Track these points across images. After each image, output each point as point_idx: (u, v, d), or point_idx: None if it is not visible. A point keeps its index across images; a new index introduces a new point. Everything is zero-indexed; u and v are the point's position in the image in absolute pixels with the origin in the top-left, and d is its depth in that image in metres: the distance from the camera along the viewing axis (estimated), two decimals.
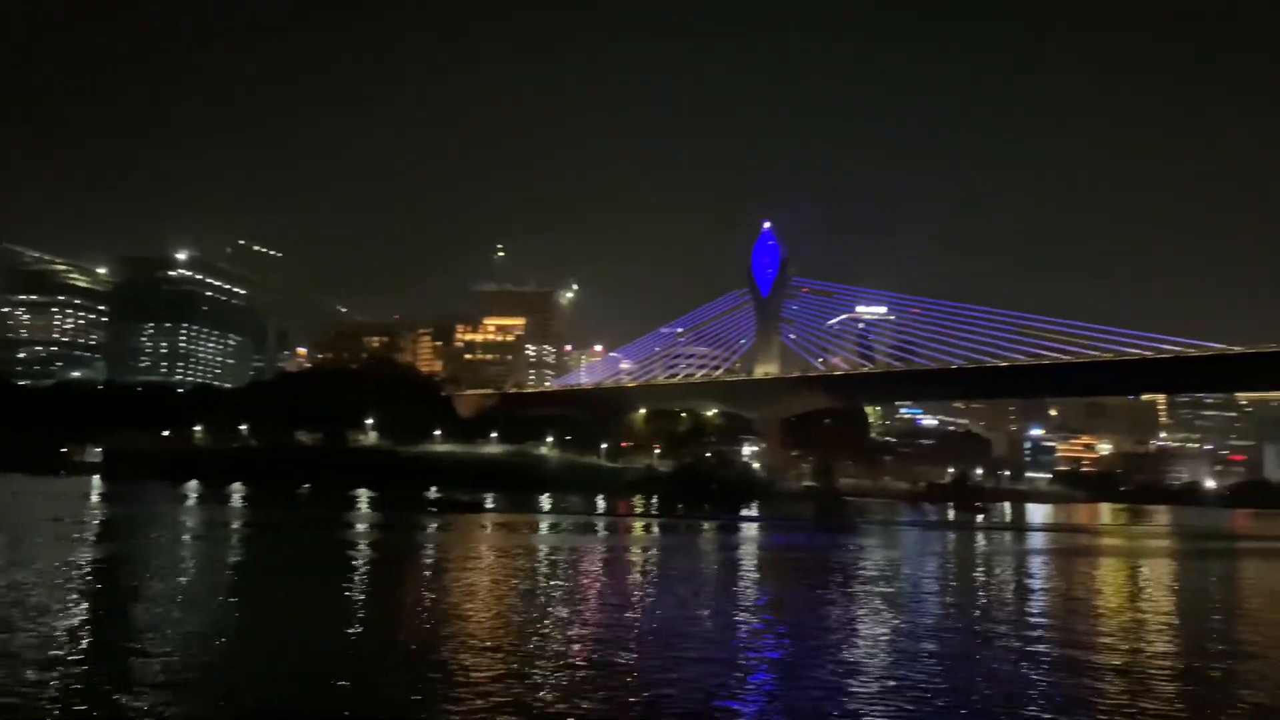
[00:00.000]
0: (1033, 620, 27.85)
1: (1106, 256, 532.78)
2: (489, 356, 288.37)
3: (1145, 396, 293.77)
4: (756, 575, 38.74)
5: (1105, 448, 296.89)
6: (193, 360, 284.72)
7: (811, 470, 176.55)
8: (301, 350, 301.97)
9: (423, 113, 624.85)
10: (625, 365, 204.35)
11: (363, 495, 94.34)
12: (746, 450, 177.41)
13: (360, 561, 38.73)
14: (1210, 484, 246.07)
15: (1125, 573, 46.11)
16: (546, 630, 22.72)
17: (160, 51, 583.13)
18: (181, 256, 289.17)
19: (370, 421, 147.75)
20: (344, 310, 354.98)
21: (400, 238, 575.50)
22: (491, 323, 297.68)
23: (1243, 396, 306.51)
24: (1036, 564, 49.67)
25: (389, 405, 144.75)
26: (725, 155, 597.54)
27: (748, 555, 49.25)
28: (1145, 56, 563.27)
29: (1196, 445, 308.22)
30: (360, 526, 57.08)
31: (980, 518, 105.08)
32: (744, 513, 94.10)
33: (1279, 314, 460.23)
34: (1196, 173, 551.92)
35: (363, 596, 29.04)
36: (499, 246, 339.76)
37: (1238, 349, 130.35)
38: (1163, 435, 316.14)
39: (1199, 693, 18.59)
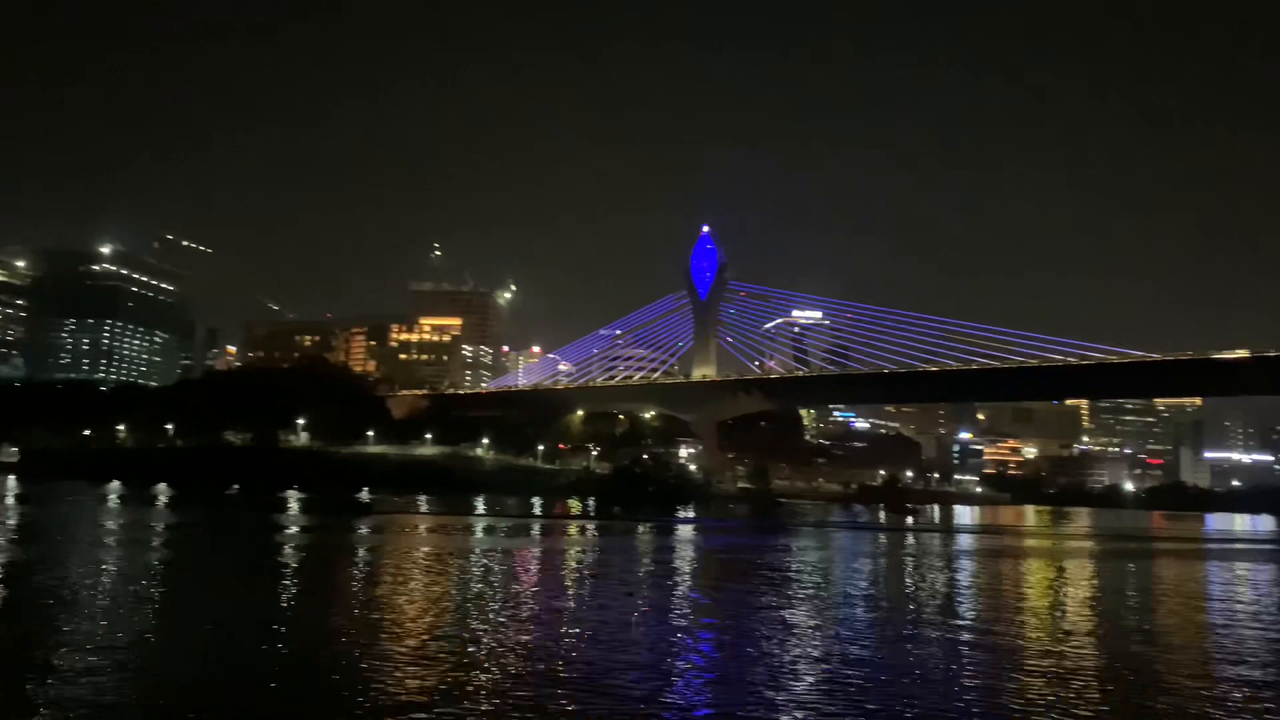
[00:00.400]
0: (960, 620, 28.52)
1: (1034, 265, 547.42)
2: (424, 357, 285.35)
3: (1069, 401, 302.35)
4: (690, 577, 39.00)
5: (1031, 451, 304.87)
6: (116, 358, 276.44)
7: (747, 472, 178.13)
8: (232, 349, 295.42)
9: (360, 112, 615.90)
10: (563, 367, 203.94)
11: (293, 497, 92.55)
12: (683, 452, 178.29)
13: (284, 566, 37.98)
14: (1129, 487, 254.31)
15: (1049, 573, 47.45)
16: (473, 635, 22.32)
17: (91, 41, 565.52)
18: (106, 250, 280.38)
19: (302, 422, 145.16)
20: (276, 308, 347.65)
21: (336, 236, 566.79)
22: (427, 323, 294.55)
23: (1160, 402, 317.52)
24: (964, 565, 50.83)
25: (321, 406, 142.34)
26: (665, 159, 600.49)
27: (683, 557, 49.53)
28: (1079, 67, 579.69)
29: (1117, 449, 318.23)
30: (288, 529, 56.03)
31: (910, 519, 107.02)
32: (680, 514, 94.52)
33: (1196, 323, 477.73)
34: (1125, 184, 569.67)
35: (283, 603, 28.33)
36: (436, 246, 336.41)
37: (1156, 357, 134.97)
38: (1085, 439, 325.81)
39: (1119, 689, 19.22)
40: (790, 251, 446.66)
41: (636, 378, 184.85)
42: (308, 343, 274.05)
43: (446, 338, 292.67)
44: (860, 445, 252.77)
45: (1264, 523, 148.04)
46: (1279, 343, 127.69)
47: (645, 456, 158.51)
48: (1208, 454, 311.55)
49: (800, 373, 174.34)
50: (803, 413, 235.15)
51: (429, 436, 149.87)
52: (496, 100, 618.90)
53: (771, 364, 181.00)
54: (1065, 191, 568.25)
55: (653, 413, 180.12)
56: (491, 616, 25.05)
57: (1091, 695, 18.26)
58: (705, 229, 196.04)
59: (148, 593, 28.64)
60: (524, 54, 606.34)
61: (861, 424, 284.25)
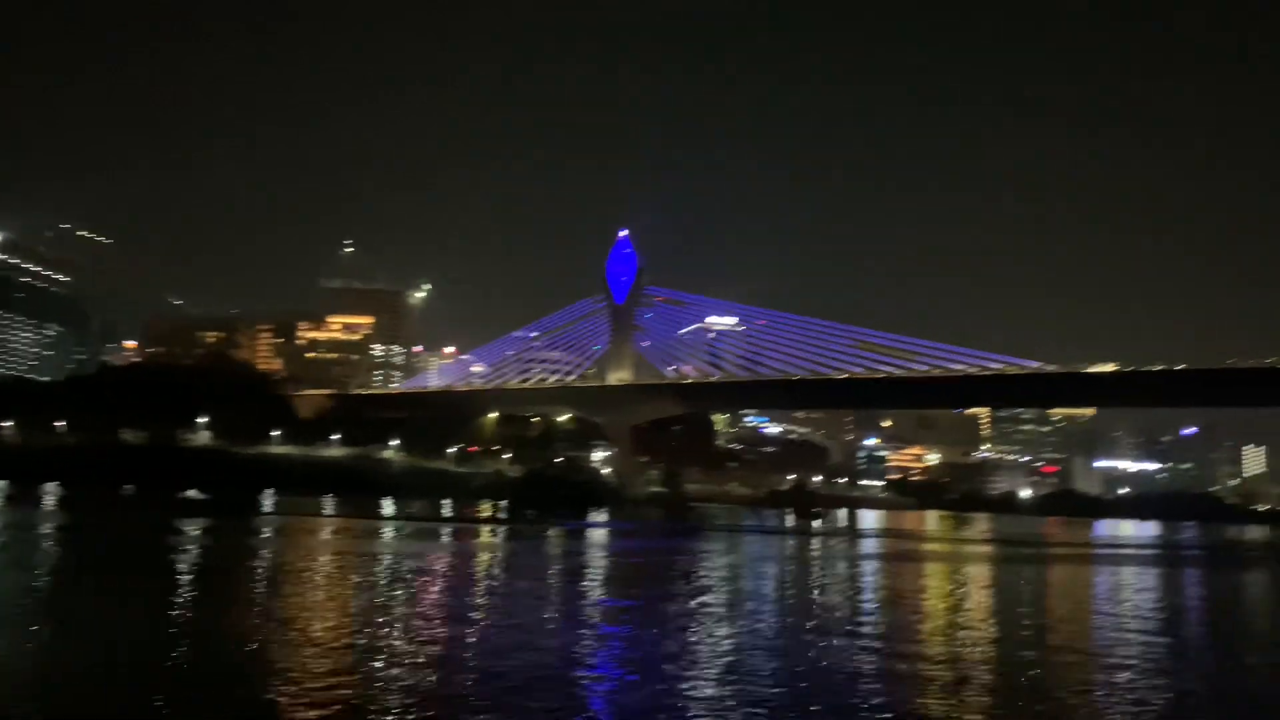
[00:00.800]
0: (861, 623, 29.27)
1: (938, 275, 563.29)
2: (333, 355, 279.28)
3: (970, 410, 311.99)
4: (600, 581, 39.11)
5: (933, 458, 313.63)
6: (3, 351, 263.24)
7: (660, 476, 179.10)
8: (130, 343, 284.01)
9: (274, 107, 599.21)
10: (477, 368, 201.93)
11: (192, 498, 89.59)
12: (597, 456, 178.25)
13: (176, 569, 36.65)
14: (1026, 493, 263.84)
15: (948, 576, 48.98)
16: (368, 647, 21.70)
17: None
18: None
19: (203, 420, 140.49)
20: (179, 303, 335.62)
21: (243, 229, 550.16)
22: (337, 320, 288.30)
23: (1056, 412, 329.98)
24: (868, 568, 52.10)
25: (223, 404, 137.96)
26: (583, 161, 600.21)
27: (594, 561, 49.61)
28: (980, 76, 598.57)
29: (1014, 457, 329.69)
30: (186, 531, 54.22)
31: (817, 523, 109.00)
32: (593, 518, 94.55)
33: (1089, 335, 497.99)
34: (1026, 196, 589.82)
35: (171, 609, 27.28)
36: (348, 242, 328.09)
37: (1052, 368, 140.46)
38: (985, 447, 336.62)
39: (1013, 689, 19.96)
40: (709, 258, 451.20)
41: (551, 381, 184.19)
42: (211, 339, 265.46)
43: (357, 336, 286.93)
44: (771, 450, 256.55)
45: (1149, 528, 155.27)
46: (1160, 357, 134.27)
47: (559, 460, 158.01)
48: (1098, 462, 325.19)
49: (714, 378, 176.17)
50: (715, 418, 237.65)
51: (337, 437, 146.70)
52: (413, 100, 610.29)
53: (687, 369, 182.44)
54: (972, 204, 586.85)
55: (567, 416, 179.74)
56: (391, 626, 24.54)
57: (982, 698, 18.96)
58: (623, 233, 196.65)
59: (11, 598, 27.41)
60: (447, 55, 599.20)
61: (772, 429, 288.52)
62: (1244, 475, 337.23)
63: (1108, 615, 33.92)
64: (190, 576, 34.30)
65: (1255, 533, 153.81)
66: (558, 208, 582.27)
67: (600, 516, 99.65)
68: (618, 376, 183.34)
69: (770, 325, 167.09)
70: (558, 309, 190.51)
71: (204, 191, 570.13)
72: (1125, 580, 50.48)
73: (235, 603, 27.73)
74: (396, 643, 21.70)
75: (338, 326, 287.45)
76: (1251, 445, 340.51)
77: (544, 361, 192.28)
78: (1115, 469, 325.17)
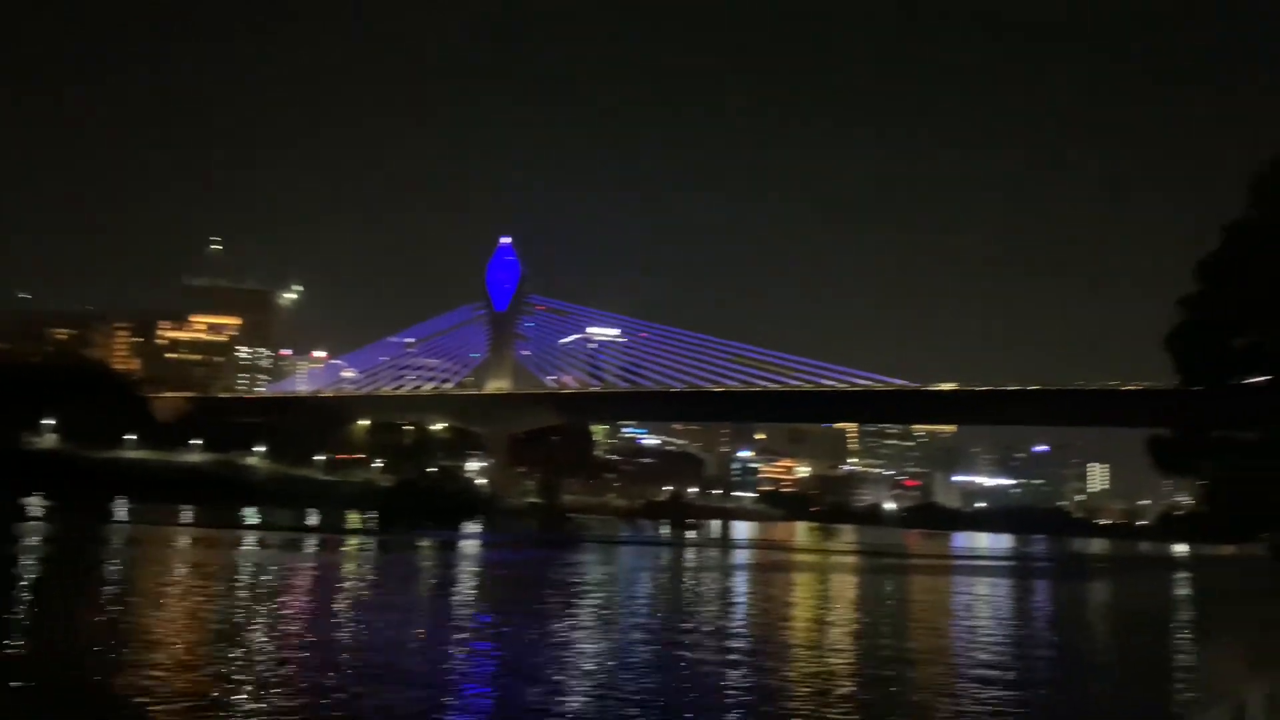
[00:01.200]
0: (733, 631, 29.73)
1: (811, 292, 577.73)
2: (196, 357, 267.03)
3: (839, 424, 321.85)
4: (473, 593, 38.54)
5: (804, 470, 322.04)
6: None
7: (537, 487, 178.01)
8: None
9: (138, 99, 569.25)
10: (349, 374, 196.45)
11: (35, 504, 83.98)
12: (473, 466, 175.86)
13: (12, 581, 34.36)
14: (890, 506, 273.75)
15: (816, 587, 50.31)
16: (220, 665, 20.74)
17: None
18: None
19: (51, 422, 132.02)
20: (28, 297, 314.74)
21: (105, 225, 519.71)
22: (201, 320, 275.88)
23: (919, 428, 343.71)
24: (740, 578, 53.03)
25: (74, 404, 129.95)
26: (467, 167, 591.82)
27: (467, 572, 48.87)
28: (846, 93, 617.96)
29: (880, 471, 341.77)
30: (25, 540, 50.74)
31: (692, 534, 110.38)
32: (466, 529, 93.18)
33: (952, 354, 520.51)
34: (887, 216, 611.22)
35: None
36: (215, 239, 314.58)
37: (915, 386, 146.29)
38: (853, 460, 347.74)
39: (876, 698, 20.57)
40: (593, 269, 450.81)
41: (428, 388, 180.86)
42: (63, 336, 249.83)
43: (222, 338, 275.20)
44: (648, 461, 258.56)
45: (1004, 540, 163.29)
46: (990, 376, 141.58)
47: (433, 469, 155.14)
48: (957, 477, 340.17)
49: (594, 388, 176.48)
50: (595, 428, 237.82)
51: (197, 442, 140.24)
52: (290, 94, 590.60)
53: (567, 379, 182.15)
54: (843, 225, 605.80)
55: (443, 425, 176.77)
56: (246, 642, 23.54)
57: (846, 708, 19.48)
58: (506, 240, 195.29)
59: None
60: (320, 53, 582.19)
61: (651, 440, 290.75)
62: (1089, 491, 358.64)
63: (965, 625, 35.43)
64: (16, 592, 32.07)
65: (1098, 545, 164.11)
66: (439, 213, 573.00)
67: (474, 527, 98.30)
68: (496, 385, 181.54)
69: (652, 338, 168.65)
70: (435, 315, 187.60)
71: (63, 185, 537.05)
72: (981, 591, 52.87)
73: (64, 619, 25.99)
74: (238, 664, 20.79)
75: (202, 327, 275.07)
76: (1096, 463, 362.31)
77: (420, 368, 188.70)
78: (973, 483, 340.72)
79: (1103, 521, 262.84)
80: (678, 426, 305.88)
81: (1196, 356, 23.00)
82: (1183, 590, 64.62)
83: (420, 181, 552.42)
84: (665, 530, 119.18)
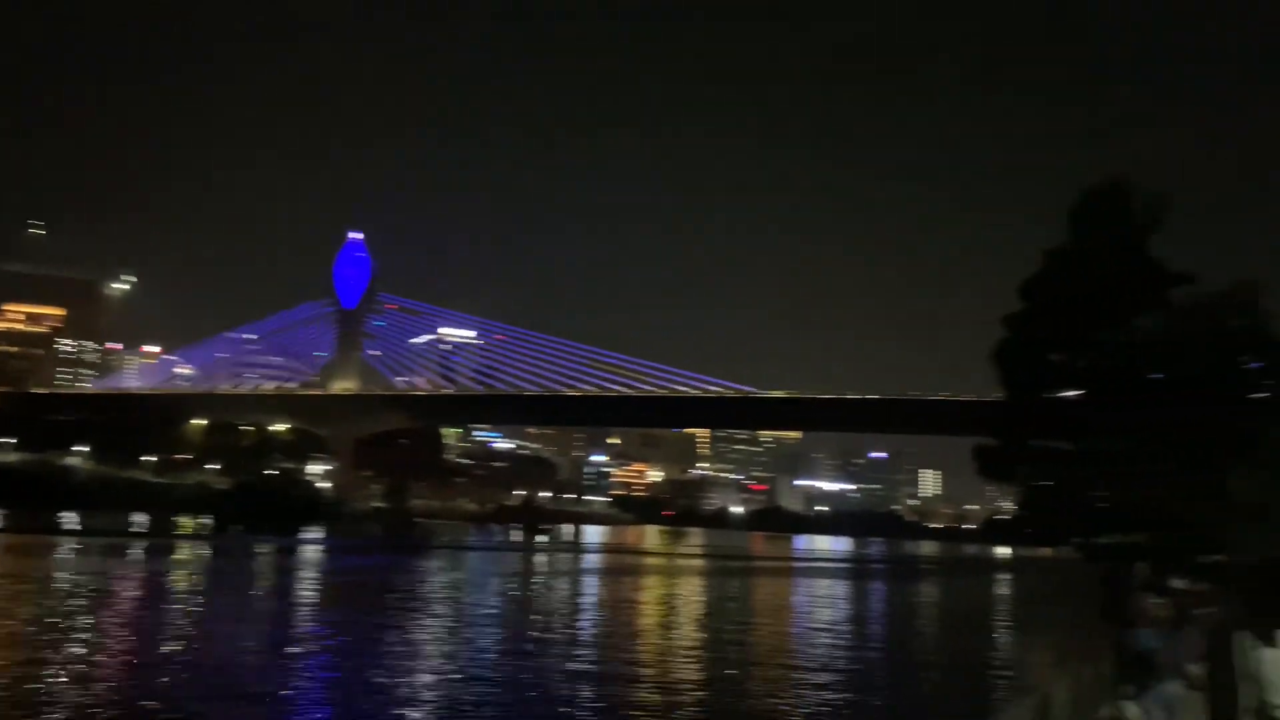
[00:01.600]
0: (582, 636, 29.82)
1: (665, 299, 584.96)
2: (13, 349, 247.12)
3: (691, 429, 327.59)
4: (314, 601, 37.23)
5: (657, 475, 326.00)
6: None
7: (384, 491, 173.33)
8: None
9: None
10: (184, 370, 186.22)
11: None
12: (317, 469, 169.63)
13: None
14: (737, 509, 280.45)
15: (663, 589, 51.03)
16: (36, 682, 19.59)
17: None
18: None
19: None
20: None
21: None
22: (18, 309, 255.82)
23: (766, 434, 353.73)
24: (590, 582, 53.22)
25: None
26: (315, 159, 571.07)
27: (308, 579, 47.13)
28: (708, 105, 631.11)
29: (729, 476, 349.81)
30: None
31: (544, 538, 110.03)
32: (308, 534, 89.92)
33: (796, 363, 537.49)
34: (750, 223, 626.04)
35: None
36: (36, 222, 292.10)
37: (763, 393, 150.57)
38: (704, 465, 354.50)
39: (718, 698, 21.06)
40: (448, 270, 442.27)
41: (269, 387, 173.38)
42: None
43: (42, 328, 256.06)
44: (501, 465, 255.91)
45: (843, 543, 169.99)
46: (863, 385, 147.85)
47: (273, 472, 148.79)
48: (800, 482, 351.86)
49: (447, 391, 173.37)
50: (446, 432, 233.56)
51: (10, 441, 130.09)
52: (127, 73, 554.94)
53: (419, 381, 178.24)
54: (699, 232, 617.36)
55: (286, 426, 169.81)
56: (67, 656, 22.07)
57: (689, 708, 19.87)
58: (356, 235, 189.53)
59: None
60: (165, 35, 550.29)
61: (504, 444, 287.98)
62: (922, 496, 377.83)
63: (803, 626, 36.72)
64: None
65: (929, 548, 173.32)
66: (286, 205, 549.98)
67: (316, 533, 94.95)
68: (344, 386, 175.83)
69: (508, 340, 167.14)
70: (279, 311, 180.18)
71: None
72: (820, 592, 54.92)
73: None
74: (46, 681, 19.43)
75: (19, 316, 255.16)
76: (929, 470, 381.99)
77: (262, 367, 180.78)
78: (815, 488, 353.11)
79: (933, 525, 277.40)
80: (532, 430, 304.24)
81: (1018, 371, 24.55)
82: (1002, 590, 69.03)
83: (267, 173, 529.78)
84: (517, 535, 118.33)
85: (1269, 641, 4.18)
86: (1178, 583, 13.43)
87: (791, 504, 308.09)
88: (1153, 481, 22.00)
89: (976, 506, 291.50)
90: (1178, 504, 21.90)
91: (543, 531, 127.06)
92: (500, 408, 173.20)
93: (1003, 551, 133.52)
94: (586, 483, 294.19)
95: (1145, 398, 22.94)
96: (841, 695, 21.77)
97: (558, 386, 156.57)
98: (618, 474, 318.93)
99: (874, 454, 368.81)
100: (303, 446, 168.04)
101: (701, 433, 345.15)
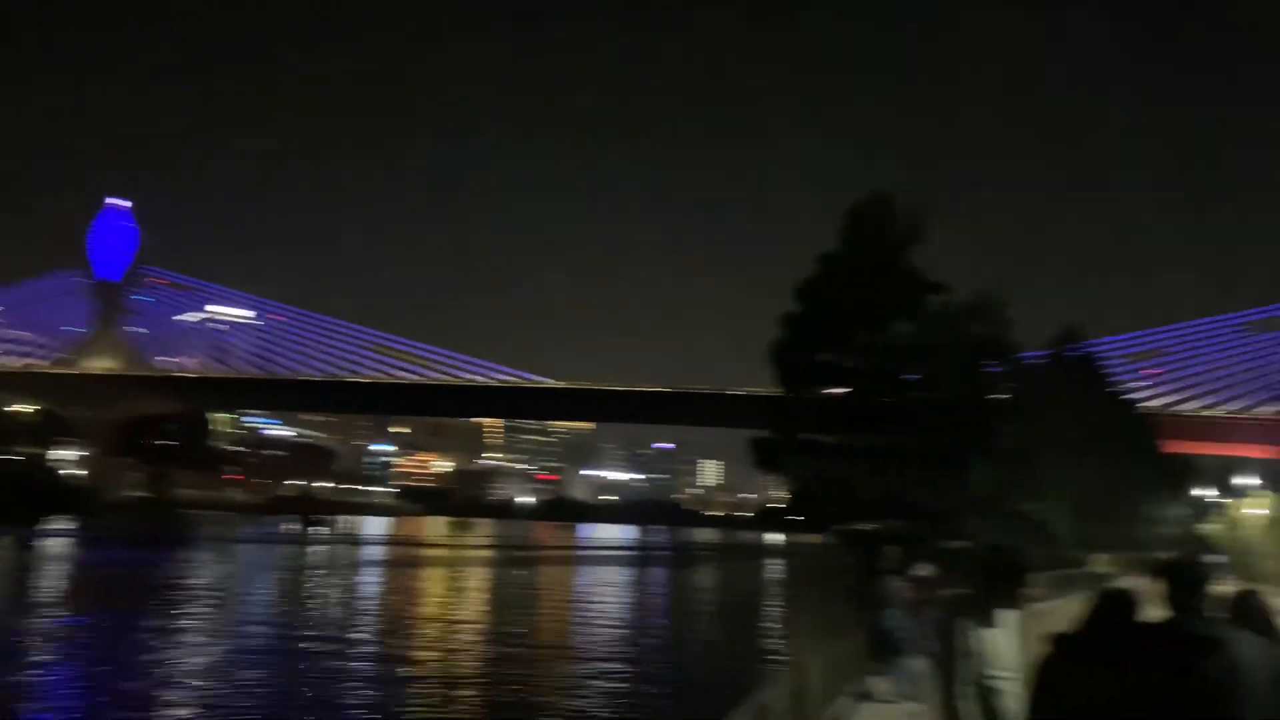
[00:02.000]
0: (358, 631, 28.97)
1: (454, 285, 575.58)
2: None
3: (480, 419, 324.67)
4: (60, 597, 34.13)
5: (444, 464, 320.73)
6: None
7: (146, 480, 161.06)
8: None
9: None
10: None
11: None
12: (68, 455, 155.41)
13: None
14: (527, 500, 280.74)
15: (446, 581, 50.39)
16: None
17: None
18: None
19: None
20: None
21: None
22: None
23: (557, 425, 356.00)
24: (370, 576, 51.72)
25: None
26: (74, 120, 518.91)
27: (54, 574, 43.11)
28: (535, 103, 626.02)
29: (520, 466, 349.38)
30: None
31: (322, 530, 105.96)
32: (55, 526, 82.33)
33: (585, 354, 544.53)
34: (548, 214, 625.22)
35: None
36: None
37: (554, 384, 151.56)
38: (496, 455, 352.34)
39: (500, 694, 20.96)
40: (227, 245, 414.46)
41: (14, 364, 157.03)
42: None
43: None
44: (278, 453, 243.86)
45: (627, 532, 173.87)
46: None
47: (13, 457, 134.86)
48: (590, 471, 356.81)
49: (219, 373, 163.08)
50: (218, 417, 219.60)
51: None
52: None
53: (188, 361, 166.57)
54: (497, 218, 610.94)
55: (31, 407, 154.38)
56: None
57: (471, 697, 19.80)
58: (118, 203, 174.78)
59: None
60: None
61: (281, 431, 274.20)
62: (704, 485, 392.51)
63: (586, 614, 37.34)
64: None
65: (708, 535, 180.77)
66: (36, 168, 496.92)
67: (65, 524, 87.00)
68: (101, 365, 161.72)
69: (289, 321, 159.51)
70: (22, 280, 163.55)
71: None
72: (602, 579, 56.02)
73: None
74: None
75: None
76: (710, 460, 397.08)
77: (8, 341, 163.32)
78: (604, 478, 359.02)
79: (712, 513, 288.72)
80: (316, 417, 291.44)
81: (792, 368, 26.08)
82: (772, 575, 72.88)
83: (15, 133, 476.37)
84: (292, 527, 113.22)
85: (987, 622, 4.72)
86: (923, 567, 14.72)
87: (579, 493, 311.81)
88: (904, 474, 24.04)
89: (754, 495, 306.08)
90: (925, 494, 24.04)
91: (320, 523, 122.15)
92: (278, 392, 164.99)
93: (775, 538, 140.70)
94: (370, 473, 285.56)
95: (901, 397, 25.01)
96: (618, 684, 22.31)
97: (341, 372, 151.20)
98: (403, 464, 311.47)
99: (660, 445, 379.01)
100: (51, 429, 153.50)
101: (492, 422, 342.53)
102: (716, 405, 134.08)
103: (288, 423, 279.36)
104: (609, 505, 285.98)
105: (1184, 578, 3.78)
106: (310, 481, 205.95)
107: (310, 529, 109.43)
